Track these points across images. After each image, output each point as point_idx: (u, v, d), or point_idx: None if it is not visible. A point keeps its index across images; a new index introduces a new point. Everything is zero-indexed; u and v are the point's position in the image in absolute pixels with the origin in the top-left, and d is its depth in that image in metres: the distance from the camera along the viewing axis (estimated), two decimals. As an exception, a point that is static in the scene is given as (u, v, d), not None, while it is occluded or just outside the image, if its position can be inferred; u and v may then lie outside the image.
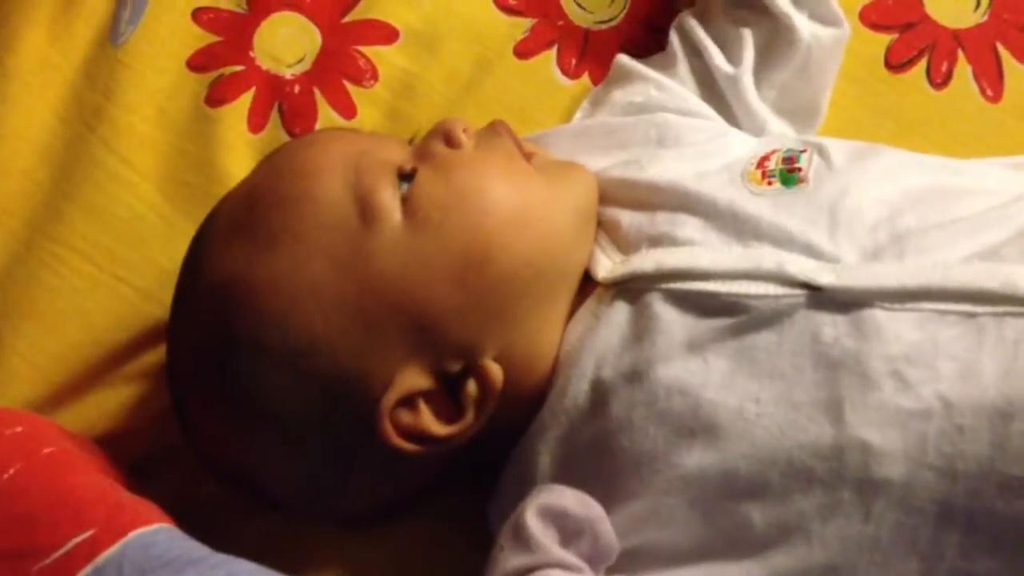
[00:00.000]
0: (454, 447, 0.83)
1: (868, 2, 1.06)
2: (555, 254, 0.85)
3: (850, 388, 0.76)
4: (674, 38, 1.01)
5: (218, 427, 0.86)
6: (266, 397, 0.83)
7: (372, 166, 0.84)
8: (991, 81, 1.02)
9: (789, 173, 0.86)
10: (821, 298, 0.79)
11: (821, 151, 0.88)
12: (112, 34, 1.09)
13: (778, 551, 0.77)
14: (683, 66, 0.99)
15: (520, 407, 0.84)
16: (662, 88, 0.98)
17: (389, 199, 0.83)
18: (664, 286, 0.82)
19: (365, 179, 0.83)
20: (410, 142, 0.90)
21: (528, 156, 0.89)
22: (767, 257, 0.81)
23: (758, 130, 0.96)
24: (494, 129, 0.90)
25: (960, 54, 1.03)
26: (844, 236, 0.81)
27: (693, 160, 0.90)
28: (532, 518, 0.76)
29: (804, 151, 0.88)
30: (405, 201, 0.83)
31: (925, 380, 0.76)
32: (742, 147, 0.92)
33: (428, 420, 0.82)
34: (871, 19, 1.05)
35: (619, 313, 0.83)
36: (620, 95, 0.99)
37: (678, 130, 0.93)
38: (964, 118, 1.02)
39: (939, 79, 1.03)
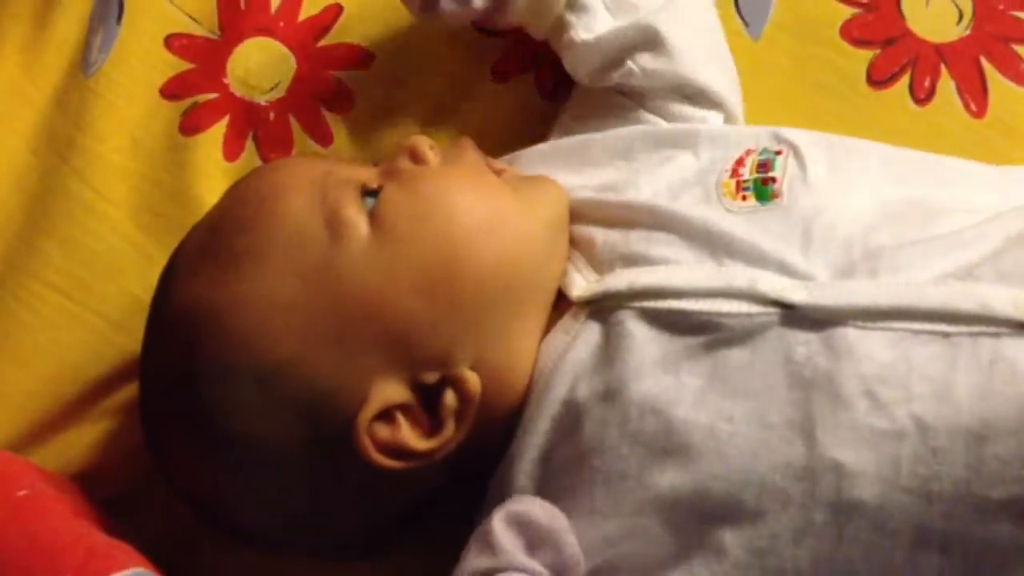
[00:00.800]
0: (434, 463, 0.82)
1: (849, 17, 1.05)
2: (525, 263, 0.84)
3: (822, 407, 0.76)
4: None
5: (193, 459, 0.85)
6: (240, 421, 0.82)
7: (337, 184, 0.84)
8: (975, 96, 1.01)
9: (763, 185, 0.85)
10: (794, 316, 0.78)
11: (797, 154, 0.87)
12: (84, 63, 1.08)
13: (750, 574, 0.76)
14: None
15: (497, 422, 0.83)
16: (615, 103, 0.97)
17: (354, 212, 0.82)
18: (637, 304, 0.81)
19: (330, 196, 0.83)
20: (375, 165, 0.90)
21: (497, 172, 0.89)
22: (740, 275, 0.80)
23: None
24: (460, 145, 0.90)
25: (943, 69, 1.02)
26: (817, 253, 0.81)
27: (666, 176, 0.89)
28: (499, 523, 0.77)
29: (779, 153, 0.87)
30: (372, 215, 0.82)
31: (898, 400, 0.75)
32: (714, 145, 0.91)
33: (407, 434, 0.81)
34: (852, 34, 1.04)
35: (592, 332, 0.82)
36: (581, 115, 0.99)
37: (644, 141, 0.93)
38: (948, 134, 1.00)
39: (922, 95, 1.02)
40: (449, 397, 0.81)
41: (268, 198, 0.84)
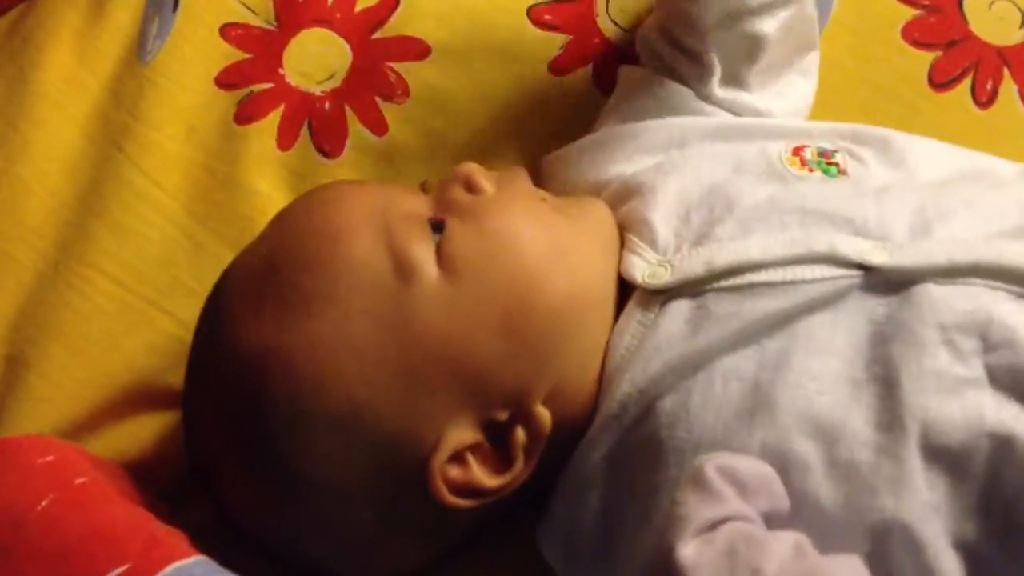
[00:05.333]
0: (505, 495, 0.82)
1: (910, 19, 1.05)
2: (592, 284, 0.84)
3: (906, 358, 0.76)
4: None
5: (257, 500, 0.84)
6: (311, 465, 0.81)
7: (400, 221, 0.83)
8: (1038, 100, 1.01)
9: (828, 164, 0.87)
10: (874, 278, 0.78)
11: (853, 155, 0.88)
12: (139, 50, 1.08)
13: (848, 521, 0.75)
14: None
15: (567, 438, 0.83)
16: (667, 88, 0.96)
17: (423, 252, 0.81)
18: (717, 285, 0.81)
19: (397, 235, 0.82)
20: (421, 188, 0.89)
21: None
22: (818, 239, 0.80)
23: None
24: (512, 173, 0.89)
25: (1006, 72, 1.02)
26: (891, 214, 0.81)
27: (724, 158, 0.89)
28: (712, 473, 0.74)
29: (836, 151, 0.88)
30: (439, 253, 0.81)
31: (979, 350, 0.75)
32: (770, 136, 0.91)
33: (479, 473, 0.81)
34: (913, 36, 1.04)
35: (671, 319, 0.81)
36: (629, 101, 0.98)
37: (699, 133, 0.92)
38: (1010, 138, 1.00)
39: (984, 98, 1.02)
40: (519, 434, 0.81)
41: (330, 236, 0.83)
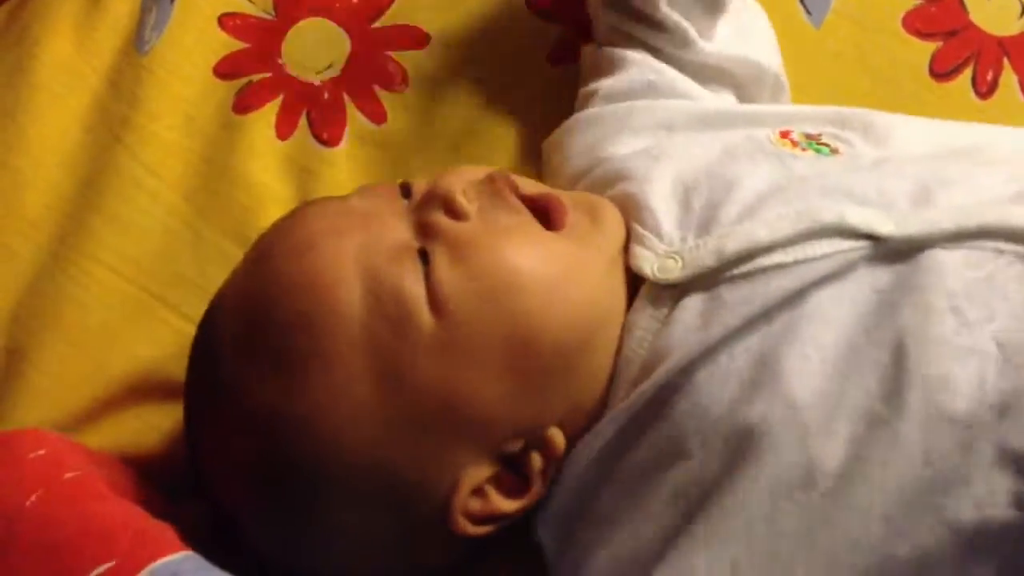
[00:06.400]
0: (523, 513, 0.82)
1: (911, 8, 1.04)
2: (597, 306, 0.81)
3: (912, 324, 0.75)
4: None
5: (282, 545, 0.84)
6: (330, 515, 0.81)
7: (387, 261, 0.79)
8: (1038, 90, 1.00)
9: (819, 145, 0.86)
10: (881, 248, 0.78)
11: (838, 138, 0.88)
12: (137, 41, 1.08)
13: (841, 492, 0.74)
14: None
15: (578, 439, 0.82)
16: (649, 67, 0.96)
17: (415, 296, 0.78)
18: (729, 274, 0.79)
19: (386, 281, 0.78)
20: (400, 187, 0.86)
21: (538, 199, 0.84)
22: (825, 211, 0.79)
23: None
24: (494, 185, 0.84)
25: (1006, 62, 1.01)
26: (891, 186, 0.80)
27: (714, 141, 0.89)
28: None
29: (822, 134, 0.88)
30: (429, 295, 0.78)
31: (981, 319, 0.74)
32: (757, 122, 0.91)
33: (498, 501, 0.80)
34: (914, 26, 1.04)
35: (684, 312, 0.80)
36: (610, 83, 0.96)
37: (688, 117, 0.92)
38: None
39: (985, 88, 1.01)
40: (535, 460, 0.80)
41: (317, 290, 0.79)
